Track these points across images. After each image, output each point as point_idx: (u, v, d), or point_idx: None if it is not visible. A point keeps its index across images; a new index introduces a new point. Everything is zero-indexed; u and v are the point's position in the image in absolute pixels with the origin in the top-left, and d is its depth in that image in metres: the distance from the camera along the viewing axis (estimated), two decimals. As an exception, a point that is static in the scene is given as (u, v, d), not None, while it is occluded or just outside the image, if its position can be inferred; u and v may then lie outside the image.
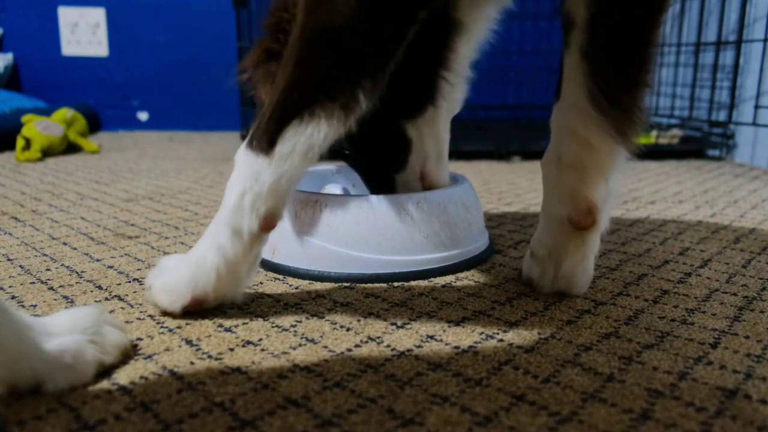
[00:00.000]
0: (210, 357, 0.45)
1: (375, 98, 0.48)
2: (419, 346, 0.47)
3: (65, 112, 1.68)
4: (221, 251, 0.50)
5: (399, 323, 0.51)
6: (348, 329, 0.50)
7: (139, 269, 0.66)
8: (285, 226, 0.63)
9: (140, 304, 0.56)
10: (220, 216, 0.51)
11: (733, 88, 1.41)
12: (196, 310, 0.52)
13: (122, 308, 0.55)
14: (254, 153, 0.49)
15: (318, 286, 0.61)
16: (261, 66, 0.62)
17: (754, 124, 1.35)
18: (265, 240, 0.52)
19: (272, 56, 0.61)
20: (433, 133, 0.67)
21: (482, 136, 1.69)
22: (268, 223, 0.50)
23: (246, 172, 0.49)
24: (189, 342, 0.48)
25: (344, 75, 0.47)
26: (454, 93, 0.67)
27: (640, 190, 1.12)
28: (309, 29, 0.47)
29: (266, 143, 0.48)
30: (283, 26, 0.60)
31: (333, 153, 0.54)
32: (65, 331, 0.42)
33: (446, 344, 0.47)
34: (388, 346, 0.47)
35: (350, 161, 0.72)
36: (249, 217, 0.49)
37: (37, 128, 1.52)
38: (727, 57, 1.54)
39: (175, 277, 0.51)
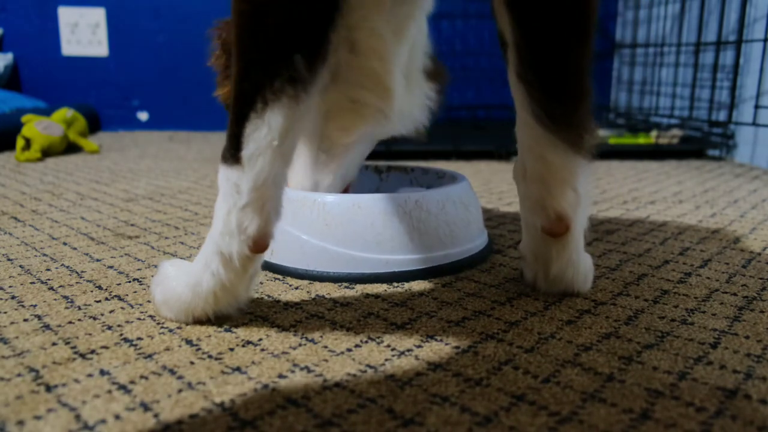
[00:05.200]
0: (210, 357, 0.45)
1: (325, 67, 0.46)
2: (419, 346, 0.47)
3: (65, 112, 1.68)
4: (216, 277, 0.49)
5: (399, 323, 0.51)
6: (348, 329, 0.50)
7: (139, 269, 0.66)
8: (284, 226, 0.63)
9: (140, 304, 0.56)
10: (210, 239, 0.49)
11: (733, 88, 1.41)
12: None
13: (122, 308, 0.55)
14: (228, 166, 0.47)
15: (318, 286, 0.61)
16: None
17: (754, 124, 1.35)
18: (260, 260, 0.50)
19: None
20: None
21: (482, 136, 1.69)
22: (258, 244, 0.48)
23: (227, 189, 0.47)
24: (189, 342, 0.48)
25: (280, 47, 0.45)
26: None
27: (640, 190, 1.12)
28: (238, 13, 0.45)
29: (234, 149, 0.46)
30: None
31: None
32: None
33: (446, 344, 0.47)
34: (388, 346, 0.47)
35: None
36: (237, 239, 0.47)
37: (37, 128, 1.52)
38: (727, 57, 1.54)
39: (176, 298, 0.51)
